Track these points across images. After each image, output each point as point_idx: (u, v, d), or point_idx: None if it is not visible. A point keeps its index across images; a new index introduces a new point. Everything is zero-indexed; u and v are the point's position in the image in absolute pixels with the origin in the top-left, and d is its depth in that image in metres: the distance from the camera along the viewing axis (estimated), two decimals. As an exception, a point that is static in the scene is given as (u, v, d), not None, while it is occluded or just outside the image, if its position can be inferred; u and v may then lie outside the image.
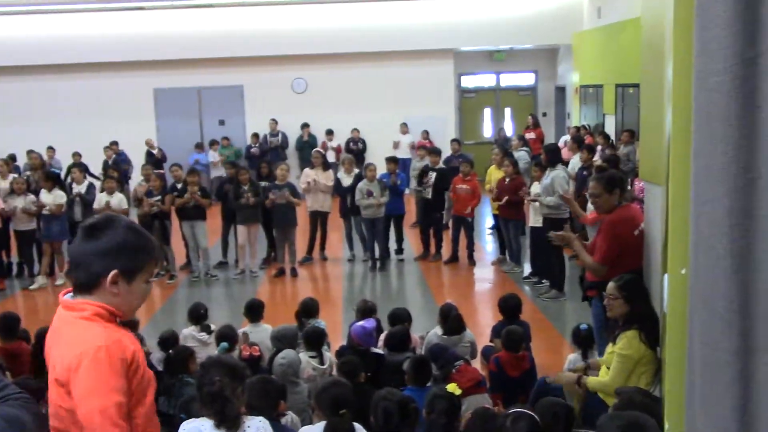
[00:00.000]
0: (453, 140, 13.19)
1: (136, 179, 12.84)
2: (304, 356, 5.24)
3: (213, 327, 6.20)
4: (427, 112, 16.83)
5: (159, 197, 9.94)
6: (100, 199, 9.94)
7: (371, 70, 16.95)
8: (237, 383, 3.07)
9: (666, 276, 2.28)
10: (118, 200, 9.89)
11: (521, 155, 12.34)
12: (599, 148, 11.85)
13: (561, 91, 18.18)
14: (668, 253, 2.22)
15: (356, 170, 10.88)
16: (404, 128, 16.69)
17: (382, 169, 10.71)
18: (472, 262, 10.47)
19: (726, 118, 1.58)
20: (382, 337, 5.74)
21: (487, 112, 18.91)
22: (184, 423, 3.10)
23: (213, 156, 16.30)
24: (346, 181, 10.62)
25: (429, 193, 10.56)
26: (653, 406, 3.44)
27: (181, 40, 16.24)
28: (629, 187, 8.62)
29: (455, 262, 10.53)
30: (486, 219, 12.72)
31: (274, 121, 16.73)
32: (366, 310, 6.10)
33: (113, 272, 2.18)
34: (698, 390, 1.70)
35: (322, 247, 11.07)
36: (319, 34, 16.27)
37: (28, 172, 12.10)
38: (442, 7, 16.45)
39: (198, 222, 9.98)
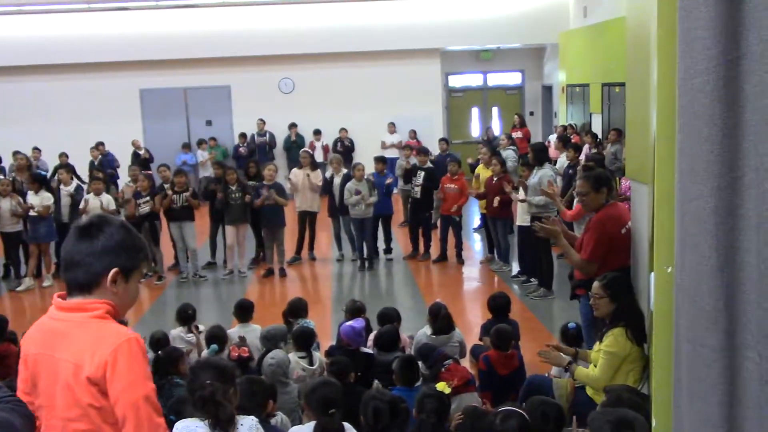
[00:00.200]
0: (441, 139, 13.22)
1: (123, 180, 12.79)
2: (293, 356, 5.24)
3: (202, 327, 6.19)
4: (415, 112, 16.85)
5: (147, 198, 9.91)
6: (87, 201, 9.88)
7: (358, 69, 16.95)
8: (228, 385, 3.07)
9: (652, 274, 2.30)
10: (105, 201, 9.84)
11: (509, 154, 12.38)
12: (586, 146, 11.92)
13: (548, 90, 18.26)
14: (654, 251, 2.24)
15: (344, 170, 10.89)
16: (392, 128, 16.70)
17: (370, 168, 10.73)
18: (460, 261, 10.50)
19: (710, 118, 1.60)
20: (372, 336, 5.75)
21: (475, 112, 18.97)
22: (178, 423, 3.09)
23: (201, 155, 16.24)
24: (335, 180, 10.63)
25: (417, 193, 10.59)
26: (641, 403, 3.47)
27: (167, 40, 16.18)
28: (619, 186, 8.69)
29: (444, 261, 10.56)
30: (474, 218, 12.75)
31: (262, 121, 16.69)
32: (355, 310, 6.11)
33: (114, 270, 2.20)
34: (685, 387, 1.72)
35: (311, 247, 11.07)
36: (306, 34, 16.25)
37: (13, 173, 12.01)
38: (429, 6, 16.49)
39: (186, 223, 9.96)
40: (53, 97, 16.56)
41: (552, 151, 11.24)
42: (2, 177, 10.84)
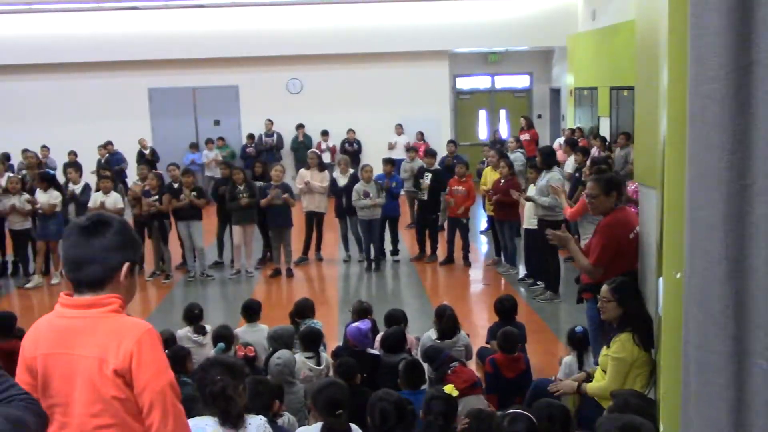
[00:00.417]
0: (449, 142, 13.22)
1: (131, 179, 12.83)
2: (300, 357, 5.24)
3: (208, 328, 6.20)
4: (422, 114, 16.86)
5: (156, 197, 9.94)
6: (95, 199, 9.92)
7: (366, 71, 16.97)
8: (238, 381, 3.10)
9: (661, 279, 2.30)
10: (113, 200, 9.88)
11: (517, 156, 12.39)
12: (594, 149, 11.90)
13: (556, 93, 18.23)
14: (663, 257, 2.24)
15: (351, 171, 10.90)
16: (399, 129, 16.70)
17: (378, 170, 10.74)
18: (467, 263, 10.50)
19: (720, 124, 1.60)
20: (378, 338, 5.75)
21: (482, 114, 18.95)
22: (187, 421, 3.10)
23: (207, 155, 16.25)
24: (342, 181, 10.65)
25: (425, 195, 10.59)
26: (648, 408, 3.46)
27: (176, 39, 16.23)
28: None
29: (451, 263, 10.56)
30: (481, 221, 12.74)
31: (270, 122, 16.72)
32: (362, 311, 6.11)
33: (127, 264, 2.28)
34: (693, 392, 1.72)
35: (318, 248, 11.08)
36: (315, 35, 16.27)
37: (24, 171, 12.07)
38: (437, 8, 16.48)
39: (194, 222, 9.99)
40: (63, 96, 16.63)
41: (560, 155, 11.22)
42: (12, 175, 10.87)
